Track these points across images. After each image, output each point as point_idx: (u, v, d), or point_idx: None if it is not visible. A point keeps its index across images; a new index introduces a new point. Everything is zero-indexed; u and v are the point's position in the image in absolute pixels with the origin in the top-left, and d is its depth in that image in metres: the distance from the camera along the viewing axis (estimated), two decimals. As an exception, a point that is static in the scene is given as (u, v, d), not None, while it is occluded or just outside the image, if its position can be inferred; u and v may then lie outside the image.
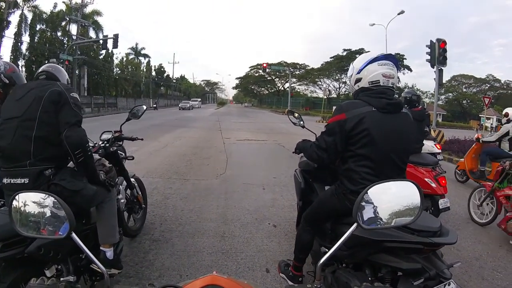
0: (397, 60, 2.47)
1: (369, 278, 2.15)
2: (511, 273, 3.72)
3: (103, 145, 3.08)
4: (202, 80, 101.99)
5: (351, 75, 2.52)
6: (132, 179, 3.63)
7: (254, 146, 12.18)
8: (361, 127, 2.21)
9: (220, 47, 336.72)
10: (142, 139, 3.66)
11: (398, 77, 2.52)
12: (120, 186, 3.30)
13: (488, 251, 4.40)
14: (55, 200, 1.25)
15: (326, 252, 2.47)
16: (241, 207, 5.12)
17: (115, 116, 26.26)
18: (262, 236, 4.17)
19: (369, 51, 2.50)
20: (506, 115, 7.01)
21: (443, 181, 4.81)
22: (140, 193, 3.85)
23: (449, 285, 1.99)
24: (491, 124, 6.82)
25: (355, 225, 1.08)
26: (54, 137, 2.20)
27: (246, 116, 35.32)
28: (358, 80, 2.43)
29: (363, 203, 1.15)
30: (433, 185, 4.70)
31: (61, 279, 2.08)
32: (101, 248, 2.55)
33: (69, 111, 2.26)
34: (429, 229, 2.05)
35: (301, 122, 3.49)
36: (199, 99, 60.96)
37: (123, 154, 3.55)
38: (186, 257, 3.48)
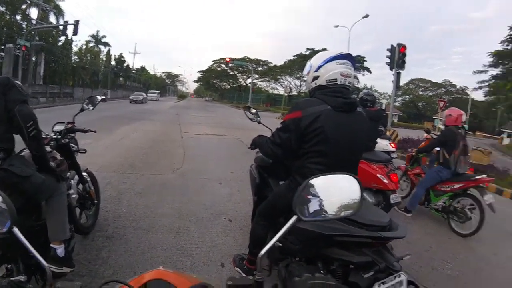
0: (355, 60, 2.53)
1: (321, 271, 2.19)
2: (460, 263, 3.94)
3: (55, 137, 2.99)
4: (163, 72, 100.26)
5: (308, 72, 2.55)
6: (84, 174, 3.52)
7: (212, 140, 12.14)
8: (316, 125, 2.25)
9: (183, 39, 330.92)
10: (95, 131, 3.57)
11: (356, 77, 2.60)
12: (72, 180, 3.19)
13: (437, 243, 4.71)
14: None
15: (280, 247, 2.54)
16: (197, 202, 5.11)
17: (71, 106, 25.10)
18: (217, 231, 4.20)
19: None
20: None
21: (395, 177, 5.06)
22: (92, 188, 3.72)
23: (399, 276, 2.08)
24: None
25: (295, 217, 1.12)
26: (2, 118, 2.19)
27: (206, 110, 35.09)
28: (316, 78, 2.47)
29: (304, 196, 1.17)
30: (385, 181, 4.93)
31: (11, 278, 2.01)
32: (51, 245, 2.46)
33: (17, 92, 2.27)
34: (379, 224, 2.14)
35: (258, 118, 3.56)
36: (158, 91, 57.10)
37: (75, 147, 3.44)
38: (140, 253, 3.43)
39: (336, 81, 2.38)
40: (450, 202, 5.43)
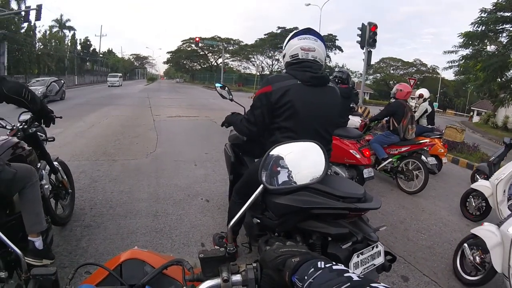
0: (319, 34, 2.54)
1: (300, 244, 2.26)
2: (434, 234, 4.11)
3: (21, 127, 2.91)
4: (131, 55, 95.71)
5: (283, 51, 2.63)
6: (55, 163, 3.45)
7: (185, 122, 12.04)
8: (285, 99, 2.31)
9: (152, 20, 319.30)
10: (60, 117, 3.50)
11: (325, 53, 2.61)
12: (43, 171, 3.12)
13: (411, 215, 4.90)
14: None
15: (258, 223, 2.58)
16: (173, 184, 5.13)
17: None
18: (195, 211, 4.25)
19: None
20: (421, 96, 8.02)
21: (367, 153, 5.23)
22: (65, 177, 3.66)
23: (376, 247, 2.18)
24: (415, 103, 7.44)
25: (261, 186, 1.15)
26: None
27: (177, 92, 34.50)
28: (284, 55, 2.56)
29: (269, 164, 1.18)
30: (358, 156, 5.08)
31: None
32: (29, 238, 2.43)
33: None
34: (354, 196, 2.18)
35: (230, 96, 3.54)
36: (119, 74, 48.39)
37: (43, 135, 3.36)
38: (120, 240, 3.45)
39: (298, 56, 2.45)
40: (397, 164, 6.15)
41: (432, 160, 6.12)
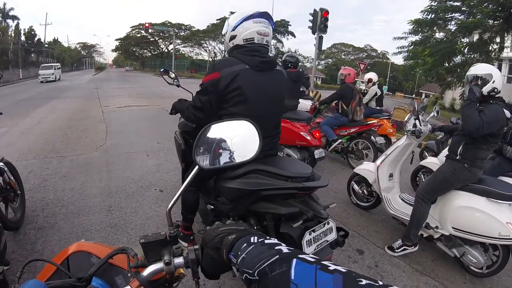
0: (272, 19, 2.51)
1: (254, 227, 2.33)
2: (384, 209, 4.26)
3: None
4: (78, 43, 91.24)
5: (226, 31, 2.52)
6: (0, 164, 3.33)
7: (135, 112, 11.81)
8: (234, 85, 2.29)
9: (98, 5, 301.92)
10: (1, 113, 3.36)
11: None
12: None
13: None
14: None
15: (212, 209, 2.64)
16: (125, 177, 5.08)
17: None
18: (149, 202, 4.24)
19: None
20: (370, 80, 8.27)
21: (317, 134, 5.44)
22: (12, 178, 3.52)
23: (327, 224, 2.28)
24: (365, 87, 7.82)
25: (196, 167, 1.18)
26: None
27: (127, 81, 33.42)
28: (233, 37, 2.46)
29: (204, 144, 1.19)
30: (308, 137, 5.25)
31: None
32: None
33: None
34: (302, 175, 2.26)
35: (177, 82, 3.51)
36: (56, 65, 35.99)
37: None
38: (75, 238, 3.36)
39: (253, 40, 2.40)
40: (348, 144, 6.55)
41: (380, 140, 6.42)
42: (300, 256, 0.62)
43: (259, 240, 0.72)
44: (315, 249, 2.20)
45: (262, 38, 2.42)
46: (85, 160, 5.92)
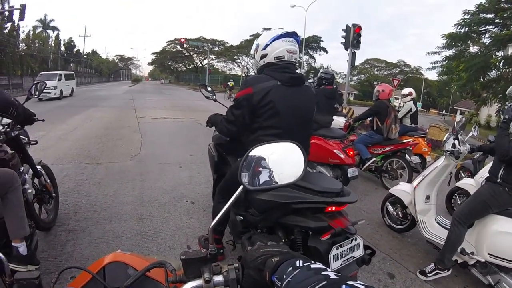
0: (299, 38, 2.67)
1: (282, 240, 2.34)
2: (419, 231, 4.13)
3: (3, 130, 2.88)
4: (116, 55, 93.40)
5: (256, 50, 2.69)
6: (38, 166, 3.40)
7: (170, 124, 12.00)
8: (267, 99, 2.39)
9: (136, 20, 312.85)
10: (43, 120, 3.45)
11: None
12: (26, 174, 3.06)
13: None
14: None
15: (241, 220, 2.63)
16: (158, 187, 5.11)
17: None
18: (180, 214, 4.24)
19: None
20: (410, 94, 7.87)
21: (351, 152, 5.31)
22: (48, 181, 3.61)
23: (355, 240, 2.26)
24: (399, 103, 7.70)
25: (241, 187, 1.16)
26: None
27: (162, 93, 34.28)
28: (264, 56, 2.60)
29: (250, 165, 1.17)
30: (342, 156, 5.15)
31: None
32: (12, 244, 2.39)
33: None
34: (332, 190, 2.28)
35: (213, 96, 3.61)
36: (67, 73, 25.96)
37: (26, 139, 3.33)
38: (105, 244, 3.40)
39: (284, 58, 2.52)
40: (382, 163, 6.33)
41: (416, 159, 6.16)
42: (349, 282, 0.60)
43: (305, 264, 0.71)
44: (341, 264, 2.19)
45: (291, 56, 2.56)
46: (119, 168, 6.02)
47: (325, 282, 0.62)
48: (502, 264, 3.07)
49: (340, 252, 2.18)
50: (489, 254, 3.13)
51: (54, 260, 3.06)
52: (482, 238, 3.22)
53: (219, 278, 0.86)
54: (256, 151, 1.18)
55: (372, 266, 3.52)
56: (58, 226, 3.67)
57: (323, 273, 0.65)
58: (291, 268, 0.70)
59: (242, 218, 2.65)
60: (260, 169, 1.20)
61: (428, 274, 3.42)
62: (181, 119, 13.37)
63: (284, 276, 0.69)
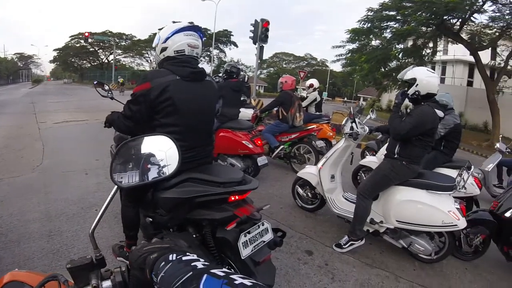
0: (202, 32, 2.63)
1: (193, 235, 2.38)
2: (328, 209, 4.39)
3: None
4: (15, 54, 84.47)
5: (157, 44, 2.58)
6: None
7: (73, 127, 11.36)
8: (165, 95, 2.34)
9: (37, 13, 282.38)
10: None
11: (202, 48, 2.70)
12: None
13: None
14: None
15: (151, 222, 2.63)
16: (64, 198, 4.84)
17: None
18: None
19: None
20: (311, 85, 8.64)
21: (259, 142, 5.59)
22: None
23: (262, 225, 2.39)
24: (306, 94, 8.28)
25: (115, 187, 1.18)
26: None
27: (65, 94, 31.90)
28: (164, 49, 2.53)
29: (121, 160, 1.19)
30: (250, 146, 5.39)
31: None
32: None
33: None
34: (233, 180, 2.37)
35: (110, 94, 3.61)
36: None
37: None
38: (17, 268, 3.17)
39: (184, 52, 2.48)
40: (290, 149, 6.79)
41: (321, 143, 6.68)
42: (212, 271, 0.63)
43: (177, 257, 0.73)
44: (252, 250, 2.29)
45: (192, 50, 2.52)
46: (22, 182, 5.57)
47: (191, 273, 0.64)
48: (410, 228, 3.50)
49: (249, 239, 2.28)
50: (397, 221, 3.55)
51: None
52: (388, 208, 3.62)
53: (107, 283, 0.89)
54: (129, 147, 1.22)
55: (290, 246, 3.74)
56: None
57: (192, 264, 0.68)
58: (163, 263, 0.72)
59: (151, 219, 2.64)
60: (120, 161, 1.24)
61: (343, 246, 3.76)
62: (85, 121, 12.71)
63: (159, 272, 0.71)
